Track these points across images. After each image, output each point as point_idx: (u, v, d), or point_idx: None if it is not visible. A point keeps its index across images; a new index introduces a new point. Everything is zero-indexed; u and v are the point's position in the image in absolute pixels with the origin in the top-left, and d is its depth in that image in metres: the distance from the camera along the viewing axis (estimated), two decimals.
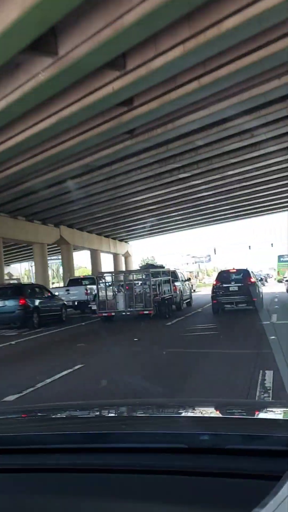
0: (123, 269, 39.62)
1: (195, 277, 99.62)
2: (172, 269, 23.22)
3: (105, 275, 19.57)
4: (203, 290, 40.50)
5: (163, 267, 21.13)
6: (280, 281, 46.19)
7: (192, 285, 25.58)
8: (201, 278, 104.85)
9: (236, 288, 17.70)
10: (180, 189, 24.68)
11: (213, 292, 18.22)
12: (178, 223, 37.11)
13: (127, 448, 1.30)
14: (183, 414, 1.84)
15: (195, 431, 1.37)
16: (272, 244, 52.59)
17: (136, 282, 18.32)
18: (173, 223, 37.02)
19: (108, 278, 18.97)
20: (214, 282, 18.77)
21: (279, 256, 60.85)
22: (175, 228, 41.43)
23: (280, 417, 1.73)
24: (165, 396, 5.52)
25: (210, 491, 1.15)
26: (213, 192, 26.04)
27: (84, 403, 3.05)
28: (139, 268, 19.18)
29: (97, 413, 1.99)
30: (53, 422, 1.80)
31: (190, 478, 1.19)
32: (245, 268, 19.94)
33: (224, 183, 24.40)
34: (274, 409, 1.93)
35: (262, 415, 1.78)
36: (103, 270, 30.76)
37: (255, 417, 1.75)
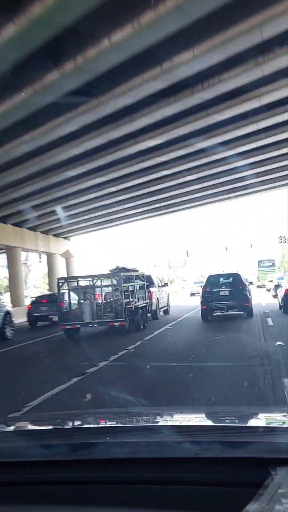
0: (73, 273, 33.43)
1: (171, 283, 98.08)
2: (147, 273, 20.64)
3: (68, 280, 16.81)
4: (179, 298, 38.40)
5: (137, 271, 18.48)
6: (260, 286, 44.89)
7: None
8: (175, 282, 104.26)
9: (227, 293, 16.70)
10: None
11: (202, 297, 17.19)
12: (134, 212, 29.63)
13: (108, 459, 1.31)
14: (166, 423, 1.88)
15: (178, 440, 1.41)
16: (251, 245, 50.45)
17: (106, 288, 15.61)
18: (127, 212, 29.31)
19: (74, 284, 16.21)
20: (203, 287, 17.77)
21: (259, 262, 60.15)
22: (128, 219, 32.76)
23: (261, 424, 1.74)
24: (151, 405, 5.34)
25: (193, 500, 1.19)
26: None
27: (67, 413, 3.06)
28: (109, 272, 16.31)
29: (80, 424, 1.99)
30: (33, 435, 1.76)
31: (170, 487, 1.23)
32: (236, 271, 19.25)
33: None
34: (256, 417, 1.93)
35: (243, 422, 1.83)
36: (74, 275, 27.30)
37: (236, 424, 1.78)
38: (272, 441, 1.32)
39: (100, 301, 15.04)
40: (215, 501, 1.17)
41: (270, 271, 51.33)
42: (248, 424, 1.77)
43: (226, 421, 1.90)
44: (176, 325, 16.64)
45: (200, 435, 1.51)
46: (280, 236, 64.10)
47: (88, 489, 1.27)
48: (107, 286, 15.59)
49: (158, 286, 20.92)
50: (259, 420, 1.84)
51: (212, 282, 17.56)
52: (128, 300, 15.30)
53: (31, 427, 1.98)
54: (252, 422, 1.80)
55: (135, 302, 15.96)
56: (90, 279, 15.32)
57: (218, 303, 16.68)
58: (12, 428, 1.93)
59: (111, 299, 14.87)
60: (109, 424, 1.94)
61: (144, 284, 17.87)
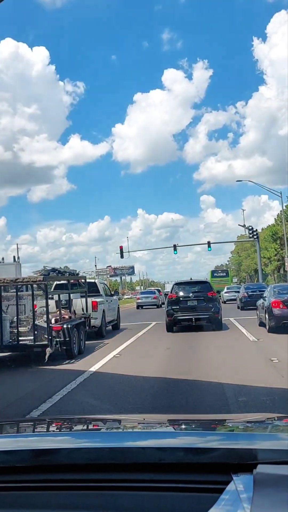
0: None
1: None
2: (91, 279, 16.29)
3: None
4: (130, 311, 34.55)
5: (76, 274, 14.02)
6: None
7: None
8: (122, 292, 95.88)
9: (196, 303, 15.27)
10: None
11: (167, 306, 15.79)
12: None
13: (70, 464, 1.34)
14: (130, 430, 1.92)
15: (141, 446, 1.44)
16: (209, 243, 46.44)
17: (25, 298, 11.05)
18: None
19: None
20: (168, 295, 16.47)
21: (213, 272, 57.57)
22: None
23: (223, 430, 1.80)
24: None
25: (156, 505, 1.22)
26: None
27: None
28: (32, 275, 11.69)
29: (44, 430, 2.03)
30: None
31: (133, 493, 1.25)
32: (205, 279, 18.61)
33: None
34: (219, 423, 2.02)
35: (206, 429, 1.88)
36: None
37: (199, 431, 1.85)
38: (234, 447, 1.33)
39: (17, 316, 10.47)
40: (178, 506, 1.21)
41: (224, 281, 48.79)
42: (210, 431, 1.83)
43: (190, 427, 1.97)
44: (128, 350, 12.25)
45: (164, 441, 1.55)
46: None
47: (51, 495, 1.29)
48: (26, 295, 11.01)
49: (106, 295, 16.55)
50: (222, 427, 1.91)
51: (179, 290, 15.85)
52: (57, 314, 10.87)
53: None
54: (215, 429, 1.88)
55: (69, 317, 11.53)
56: (4, 285, 10.69)
57: (185, 314, 15.10)
58: None
59: (33, 313, 10.33)
60: (72, 430, 2.00)
61: (85, 292, 13.47)
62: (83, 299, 13.55)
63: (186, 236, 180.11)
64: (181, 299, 15.39)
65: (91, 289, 15.73)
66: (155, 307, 33.77)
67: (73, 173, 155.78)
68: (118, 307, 18.49)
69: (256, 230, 39.32)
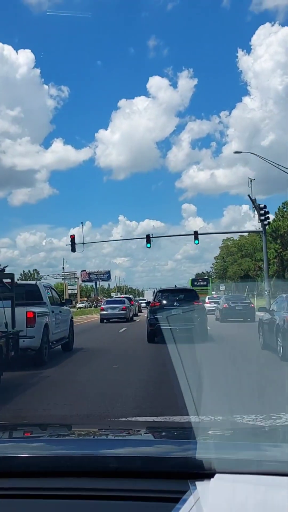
0: None
1: (89, 299, 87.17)
2: (32, 281, 11.78)
3: None
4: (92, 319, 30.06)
5: (2, 271, 9.40)
6: None
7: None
8: (94, 300, 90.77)
9: (180, 312, 14.28)
10: None
11: (149, 315, 14.83)
12: None
13: (27, 472, 1.35)
14: (91, 437, 1.96)
15: (100, 454, 1.46)
16: (196, 234, 42.07)
17: None
18: None
19: None
20: (152, 303, 15.35)
21: (193, 280, 54.58)
22: None
23: (181, 438, 1.80)
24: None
25: None
26: None
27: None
28: None
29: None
30: None
31: (92, 501, 1.25)
32: (190, 287, 18.91)
33: None
34: (176, 431, 2.10)
35: (164, 437, 1.93)
36: None
37: (159, 439, 1.88)
38: (190, 456, 1.31)
39: None
40: None
41: (204, 291, 45.63)
42: (168, 439, 1.87)
43: (148, 435, 2.01)
44: (76, 396, 7.67)
45: (122, 449, 1.57)
46: None
47: (10, 503, 1.28)
48: None
49: (53, 304, 11.98)
50: (180, 435, 1.95)
51: (162, 298, 15.08)
52: None
53: None
54: (172, 437, 1.92)
55: None
56: None
57: (168, 323, 13.21)
58: None
59: None
60: (32, 437, 1.99)
61: (11, 298, 8.90)
62: (13, 308, 9.00)
63: (167, 244, 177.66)
64: (164, 307, 14.36)
65: (30, 295, 11.18)
66: (124, 320, 26.87)
67: (55, 178, 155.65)
68: (72, 321, 13.90)
69: (268, 212, 30.09)
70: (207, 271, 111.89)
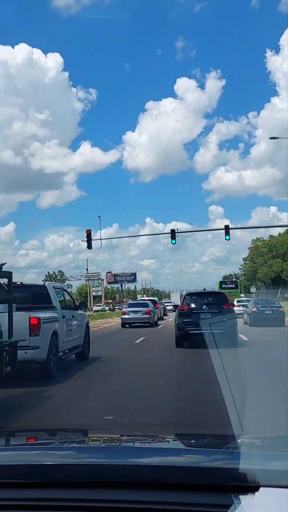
0: None
1: (113, 301, 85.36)
2: (39, 282, 10.37)
3: None
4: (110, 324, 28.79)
5: None
6: None
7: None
8: (119, 302, 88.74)
9: (210, 316, 13.84)
10: None
11: (177, 319, 14.33)
12: None
13: (69, 482, 1.30)
14: (132, 446, 1.89)
15: (141, 464, 1.39)
16: (227, 228, 40.49)
17: None
18: None
19: None
20: (180, 307, 14.87)
21: (221, 282, 53.40)
22: None
23: (224, 450, 1.73)
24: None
25: None
26: None
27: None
28: None
29: (39, 444, 1.94)
30: None
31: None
32: (219, 290, 19.22)
33: None
34: (219, 442, 1.93)
35: (206, 446, 1.84)
36: None
37: (199, 448, 1.80)
38: (233, 467, 1.27)
39: None
40: None
41: (233, 293, 43.89)
42: (208, 448, 1.79)
43: (190, 444, 1.91)
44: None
45: (164, 459, 1.50)
46: None
47: None
48: None
49: (65, 307, 10.51)
50: (220, 444, 1.86)
51: (191, 301, 14.66)
52: None
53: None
54: (213, 446, 1.83)
55: None
56: None
57: (197, 328, 13.09)
58: None
59: None
60: (70, 444, 1.93)
61: (9, 301, 7.41)
62: (14, 314, 7.54)
63: (194, 246, 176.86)
64: (193, 311, 14.00)
65: (37, 298, 9.74)
66: (148, 325, 24.52)
67: (83, 180, 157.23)
68: (88, 326, 12.40)
69: None
70: (235, 273, 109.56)
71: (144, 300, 32.27)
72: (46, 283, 10.05)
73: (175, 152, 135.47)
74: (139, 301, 30.81)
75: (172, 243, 27.41)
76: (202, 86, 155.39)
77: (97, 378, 9.31)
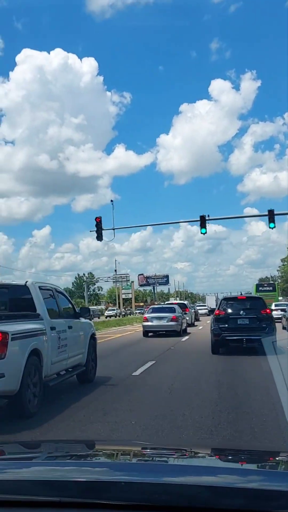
0: None
1: (145, 304, 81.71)
2: (20, 281, 7.76)
3: None
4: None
5: None
6: None
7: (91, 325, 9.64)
8: (151, 305, 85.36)
9: (247, 321, 13.30)
10: None
11: (213, 324, 13.81)
12: None
13: (116, 505, 1.17)
14: (172, 462, 1.73)
15: (188, 483, 1.25)
16: (271, 214, 37.27)
17: None
18: None
19: None
20: (216, 312, 14.22)
21: (258, 285, 51.33)
22: None
23: (282, 469, 1.57)
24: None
25: None
26: None
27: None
28: None
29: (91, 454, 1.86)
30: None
31: None
32: (257, 295, 19.47)
33: None
34: (275, 457, 1.78)
35: (261, 465, 1.64)
36: None
37: (261, 469, 1.58)
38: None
39: None
40: None
41: (270, 297, 41.95)
42: (264, 469, 1.59)
43: (248, 462, 1.71)
44: None
45: (219, 480, 1.32)
46: None
47: None
48: None
49: (57, 315, 7.84)
50: (277, 464, 1.72)
51: (227, 306, 13.90)
52: None
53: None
54: (269, 466, 1.67)
55: None
56: None
57: (234, 334, 13.10)
58: None
59: None
60: (117, 460, 1.80)
61: None
62: None
63: (229, 249, 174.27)
64: (230, 317, 13.64)
65: (16, 304, 7.15)
66: (174, 334, 20.48)
67: (117, 183, 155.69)
68: (94, 339, 9.66)
69: None
70: (272, 276, 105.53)
71: (172, 304, 28.83)
72: (29, 282, 7.35)
73: (210, 154, 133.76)
74: (164, 306, 26.69)
75: (202, 233, 24.32)
76: (237, 87, 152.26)
77: (100, 415, 6.54)
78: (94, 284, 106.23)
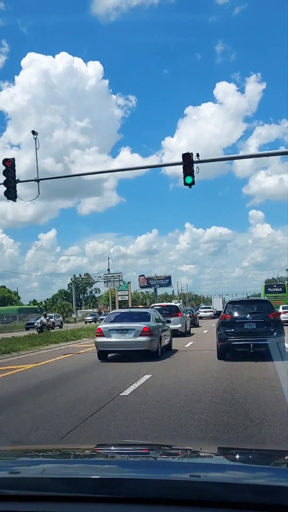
0: None
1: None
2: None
3: None
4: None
5: None
6: None
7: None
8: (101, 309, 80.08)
9: (254, 326, 12.77)
10: None
11: (219, 329, 13.12)
12: None
13: (132, 498, 1.24)
14: (180, 460, 1.77)
15: (198, 480, 1.30)
16: None
17: None
18: None
19: None
20: (222, 316, 13.56)
21: (267, 286, 48.51)
22: None
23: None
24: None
25: None
26: None
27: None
28: None
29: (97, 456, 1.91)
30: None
31: None
32: (264, 298, 18.20)
33: None
34: (279, 455, 1.81)
35: (275, 462, 1.66)
36: None
37: (268, 466, 1.61)
38: None
39: None
40: None
41: (279, 298, 40.37)
42: (270, 465, 1.63)
43: (253, 459, 1.79)
44: None
45: (225, 476, 1.40)
46: None
47: None
48: None
49: None
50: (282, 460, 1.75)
51: (234, 310, 13.34)
52: None
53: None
54: (274, 462, 1.68)
55: None
56: None
57: (240, 338, 12.65)
58: None
59: None
60: (128, 457, 1.86)
61: None
62: None
63: (234, 251, 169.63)
64: (236, 321, 12.92)
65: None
66: (149, 354, 13.24)
67: (122, 186, 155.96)
68: None
69: None
70: (279, 278, 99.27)
71: (139, 308, 19.90)
72: None
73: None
74: (131, 311, 15.87)
75: (186, 183, 15.37)
76: (242, 90, 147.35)
77: None
78: (91, 286, 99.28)
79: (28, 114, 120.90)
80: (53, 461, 1.75)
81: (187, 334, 23.08)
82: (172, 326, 18.49)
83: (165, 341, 14.87)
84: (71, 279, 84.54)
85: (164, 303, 31.00)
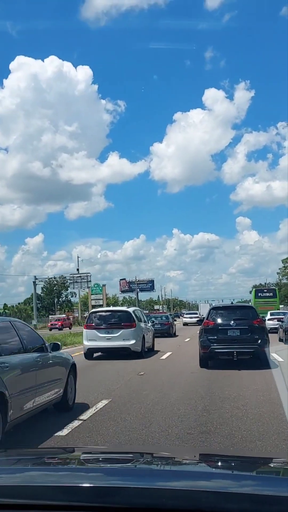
0: None
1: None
2: None
3: None
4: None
5: None
6: None
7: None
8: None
9: (238, 333, 12.40)
10: None
11: (202, 336, 12.73)
12: None
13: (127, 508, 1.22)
14: (184, 468, 1.72)
15: (195, 489, 1.28)
16: None
17: None
18: None
19: None
20: (205, 322, 13.08)
21: (257, 291, 46.99)
22: None
23: (280, 474, 1.57)
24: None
25: None
26: None
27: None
28: None
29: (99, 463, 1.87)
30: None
31: None
32: (249, 304, 18.51)
33: None
34: (273, 463, 1.78)
35: (273, 471, 1.64)
36: None
37: (268, 475, 1.58)
38: None
39: None
40: None
41: (270, 303, 40.37)
42: (260, 474, 1.61)
43: (251, 467, 1.73)
44: None
45: (222, 484, 1.36)
46: None
47: None
48: None
49: None
50: (276, 468, 1.70)
51: (217, 316, 12.89)
52: None
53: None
54: (265, 470, 1.66)
55: None
56: None
57: (224, 346, 12.27)
58: None
59: None
60: (122, 466, 1.80)
61: None
62: None
63: (221, 257, 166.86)
64: (219, 327, 12.54)
65: None
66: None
67: (110, 191, 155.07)
68: None
69: None
70: (266, 283, 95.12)
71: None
72: None
73: (203, 163, 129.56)
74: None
75: None
76: (230, 97, 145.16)
77: None
78: (67, 290, 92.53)
79: (16, 118, 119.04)
80: (42, 469, 1.70)
81: (144, 353, 15.69)
82: (116, 343, 14.77)
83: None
84: (33, 281, 70.43)
85: (111, 307, 22.64)
